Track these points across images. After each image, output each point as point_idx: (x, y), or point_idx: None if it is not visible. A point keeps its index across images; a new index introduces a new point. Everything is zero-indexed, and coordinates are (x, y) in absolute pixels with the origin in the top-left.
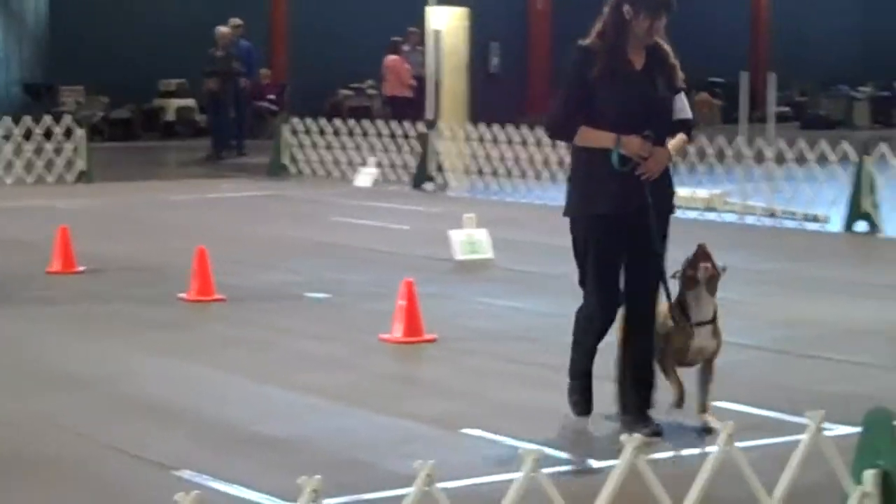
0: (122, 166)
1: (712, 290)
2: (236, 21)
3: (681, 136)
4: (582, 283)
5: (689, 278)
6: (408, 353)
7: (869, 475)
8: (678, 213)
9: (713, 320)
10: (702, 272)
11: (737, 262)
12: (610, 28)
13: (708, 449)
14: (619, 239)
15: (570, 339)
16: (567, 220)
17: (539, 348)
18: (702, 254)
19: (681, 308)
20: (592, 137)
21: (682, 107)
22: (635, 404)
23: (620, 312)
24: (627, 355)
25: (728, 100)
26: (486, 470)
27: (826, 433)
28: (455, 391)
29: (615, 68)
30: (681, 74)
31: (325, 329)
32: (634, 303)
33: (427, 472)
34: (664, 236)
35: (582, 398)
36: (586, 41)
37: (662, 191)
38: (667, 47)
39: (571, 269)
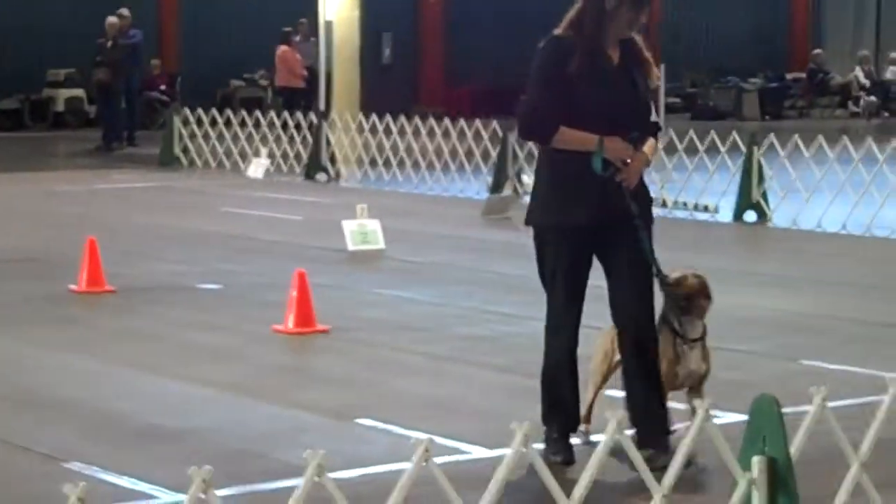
0: (10, 157)
1: (703, 315)
2: (125, 11)
3: (651, 141)
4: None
5: (683, 307)
6: (300, 344)
7: (756, 462)
8: None
9: (702, 337)
10: (697, 310)
11: None
12: (588, 18)
13: (596, 438)
14: (592, 253)
15: (461, 329)
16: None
17: (431, 338)
18: (701, 289)
19: (669, 328)
20: (572, 139)
21: (651, 108)
22: (653, 437)
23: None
24: (631, 385)
25: None
26: (378, 459)
27: (715, 420)
28: (347, 381)
29: (594, 63)
30: (655, 72)
31: (217, 320)
32: (633, 325)
33: (318, 461)
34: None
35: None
36: (559, 31)
37: (643, 199)
38: (641, 42)
39: (461, 259)
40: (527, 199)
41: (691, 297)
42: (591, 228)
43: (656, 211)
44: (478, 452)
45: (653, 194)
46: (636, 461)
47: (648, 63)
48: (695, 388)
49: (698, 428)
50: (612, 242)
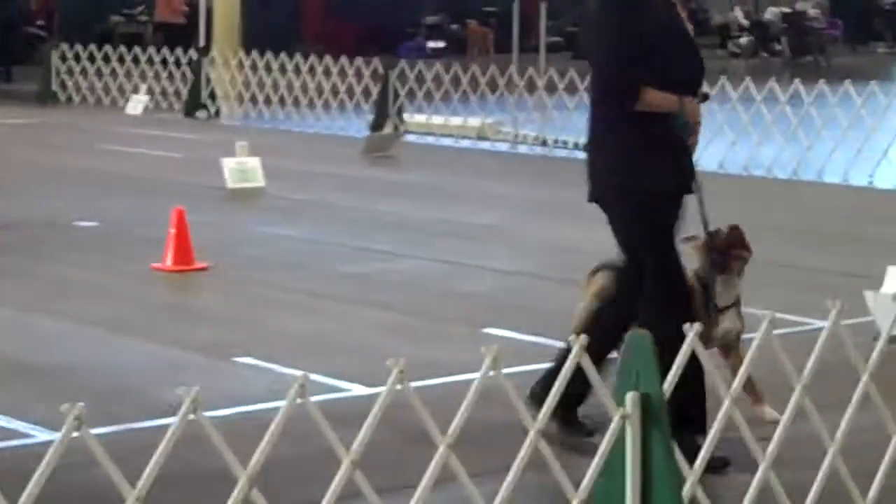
0: None
1: (741, 273)
2: None
3: None
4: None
5: (718, 262)
6: (179, 282)
7: (629, 397)
8: (452, 142)
9: (736, 303)
10: (737, 262)
11: (508, 191)
12: None
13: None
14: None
15: (340, 267)
16: None
17: (310, 276)
18: (737, 238)
19: (702, 288)
20: (657, 100)
21: None
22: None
23: None
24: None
25: (501, 29)
26: (256, 397)
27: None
28: (227, 319)
29: (670, 22)
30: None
31: (95, 258)
32: None
33: (192, 398)
34: None
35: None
36: None
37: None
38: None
39: (341, 197)
40: (408, 137)
41: (726, 252)
42: (681, 195)
43: (535, 150)
44: (357, 390)
45: (531, 132)
46: (517, 404)
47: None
48: (732, 345)
49: (571, 368)
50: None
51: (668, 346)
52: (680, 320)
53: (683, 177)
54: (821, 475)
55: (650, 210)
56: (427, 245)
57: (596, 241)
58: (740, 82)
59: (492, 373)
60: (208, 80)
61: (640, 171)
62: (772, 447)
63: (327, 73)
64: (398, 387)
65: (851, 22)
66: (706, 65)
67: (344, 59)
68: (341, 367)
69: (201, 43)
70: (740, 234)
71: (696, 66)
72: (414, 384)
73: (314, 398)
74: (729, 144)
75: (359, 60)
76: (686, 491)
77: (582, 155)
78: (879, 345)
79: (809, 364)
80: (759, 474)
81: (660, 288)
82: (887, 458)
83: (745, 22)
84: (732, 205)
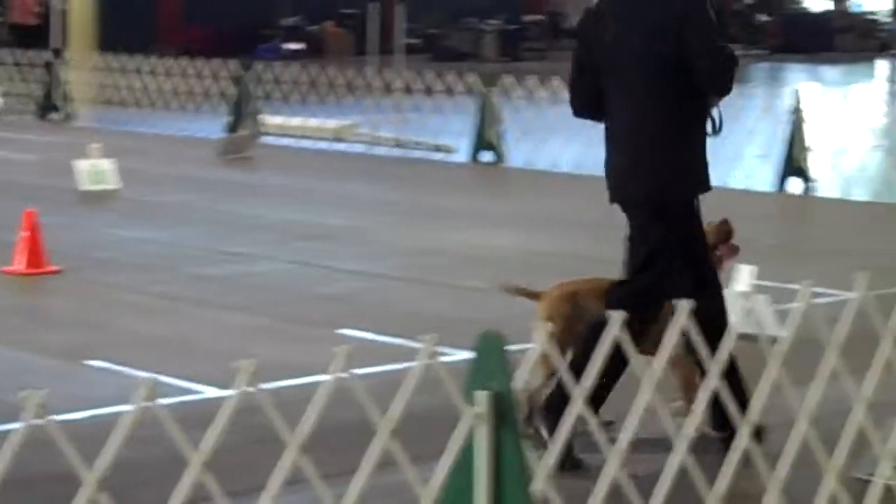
0: None
1: (724, 267)
2: None
3: None
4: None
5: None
6: (30, 285)
7: (481, 396)
8: (309, 144)
9: None
10: (726, 257)
11: (364, 192)
12: None
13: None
14: None
15: (195, 269)
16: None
17: (165, 278)
18: (724, 233)
19: None
20: None
21: None
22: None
23: None
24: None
25: (359, 31)
26: (108, 401)
27: (444, 358)
28: (78, 322)
29: None
30: None
31: None
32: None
33: (38, 402)
34: None
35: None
36: None
37: None
38: None
39: (197, 198)
40: (265, 138)
41: (715, 247)
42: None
43: (393, 152)
44: (211, 392)
45: (389, 134)
46: (366, 405)
47: None
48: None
49: (420, 368)
50: None
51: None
52: None
53: (707, 178)
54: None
55: (691, 217)
56: (283, 247)
57: (453, 242)
58: None
59: (343, 374)
60: (63, 82)
61: (705, 172)
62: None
63: (184, 75)
64: (249, 389)
65: None
66: None
67: (200, 61)
68: (195, 369)
69: (55, 44)
70: (730, 230)
71: None
72: (268, 386)
73: (166, 401)
74: (586, 145)
75: (216, 62)
76: (537, 489)
77: (438, 156)
78: (727, 342)
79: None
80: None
81: (716, 287)
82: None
83: None
84: (590, 204)
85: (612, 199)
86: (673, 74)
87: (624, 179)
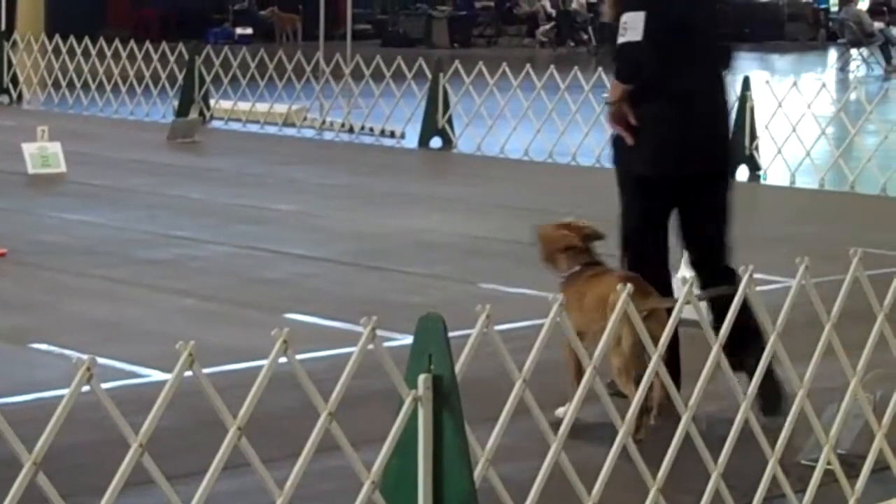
0: None
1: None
2: None
3: None
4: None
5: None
6: None
7: (421, 379)
8: (258, 128)
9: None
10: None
11: (312, 177)
12: None
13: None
14: None
15: (142, 253)
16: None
17: (111, 262)
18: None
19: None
20: None
21: None
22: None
23: None
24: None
25: (308, 16)
26: (52, 384)
27: (388, 343)
28: (23, 305)
29: None
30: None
31: None
32: None
33: None
34: None
35: None
36: None
37: None
38: None
39: (145, 182)
40: (214, 122)
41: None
42: None
43: (344, 136)
44: (157, 376)
45: (339, 120)
46: (308, 389)
47: None
48: None
49: (360, 350)
50: None
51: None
52: None
53: None
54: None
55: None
56: (230, 231)
57: (402, 227)
58: (546, 71)
59: (283, 358)
60: (10, 64)
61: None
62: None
63: (132, 57)
64: (188, 372)
65: None
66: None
67: (149, 45)
68: (141, 353)
69: (3, 26)
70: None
71: None
72: (211, 370)
73: (111, 384)
74: (535, 132)
75: (164, 45)
76: (477, 473)
77: (389, 142)
78: (670, 324)
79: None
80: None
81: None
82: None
83: (552, 11)
84: (538, 191)
85: (682, 173)
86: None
87: (705, 148)
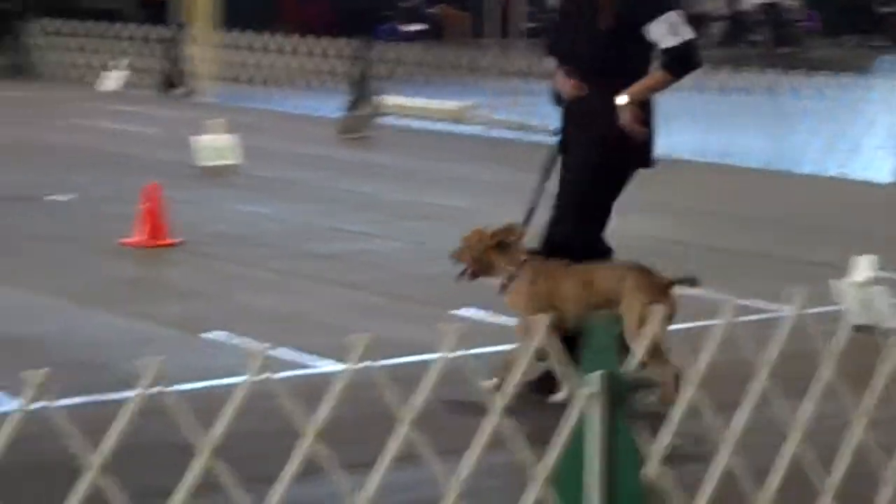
0: None
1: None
2: None
3: None
4: None
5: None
6: (150, 257)
7: (594, 377)
8: (426, 125)
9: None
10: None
11: (482, 174)
12: None
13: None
14: None
15: (312, 246)
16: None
17: (282, 254)
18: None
19: None
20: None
21: None
22: None
23: None
24: None
25: (477, 14)
26: (223, 372)
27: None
28: (197, 294)
29: None
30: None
31: (65, 231)
32: None
33: (155, 371)
34: None
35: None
36: None
37: None
38: None
39: (316, 176)
40: (386, 119)
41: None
42: None
43: (509, 134)
44: (326, 367)
45: (513, 118)
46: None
47: None
48: None
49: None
50: None
51: None
52: None
53: None
54: (781, 459)
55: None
56: (398, 226)
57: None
58: (717, 72)
59: (451, 354)
60: (186, 58)
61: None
62: (733, 431)
63: (305, 53)
64: (361, 364)
65: (830, 15)
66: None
67: (322, 40)
68: (311, 343)
69: (180, 20)
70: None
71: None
72: (381, 362)
73: (281, 374)
74: (704, 132)
75: (337, 41)
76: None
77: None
78: (842, 332)
79: (772, 349)
80: (719, 458)
81: None
82: (853, 443)
83: (723, 11)
84: (708, 193)
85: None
86: None
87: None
